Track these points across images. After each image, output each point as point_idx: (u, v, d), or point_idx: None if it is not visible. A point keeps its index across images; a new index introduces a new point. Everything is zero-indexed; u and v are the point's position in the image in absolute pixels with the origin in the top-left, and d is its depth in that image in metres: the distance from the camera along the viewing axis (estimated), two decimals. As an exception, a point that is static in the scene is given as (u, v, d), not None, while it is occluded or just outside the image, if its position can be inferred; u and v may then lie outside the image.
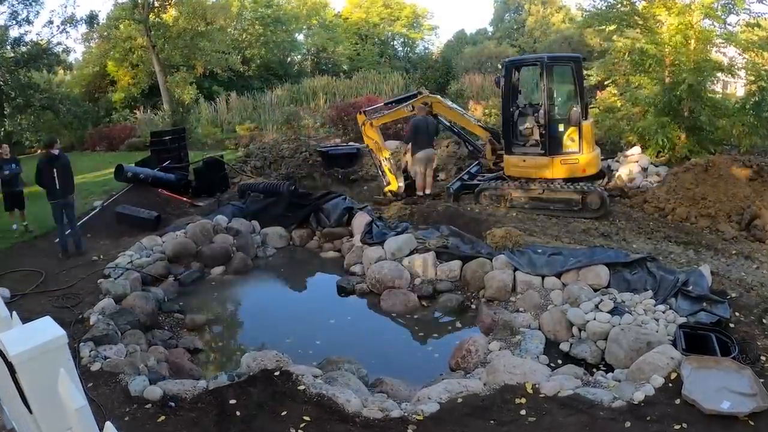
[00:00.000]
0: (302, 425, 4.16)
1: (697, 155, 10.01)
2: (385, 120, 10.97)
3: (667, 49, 10.39)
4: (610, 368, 5.43)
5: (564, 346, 5.99)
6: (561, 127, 9.09)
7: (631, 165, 10.14)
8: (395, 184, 10.65)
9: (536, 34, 33.91)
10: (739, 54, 11.00)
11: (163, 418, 4.33)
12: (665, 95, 10.33)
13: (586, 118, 9.24)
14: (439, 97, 10.90)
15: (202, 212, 10.74)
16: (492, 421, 4.18)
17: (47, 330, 1.95)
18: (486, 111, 18.92)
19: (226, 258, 8.83)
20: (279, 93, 23.47)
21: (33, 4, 16.26)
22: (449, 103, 10.97)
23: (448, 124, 10.91)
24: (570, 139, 9.00)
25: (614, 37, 12.14)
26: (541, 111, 9.07)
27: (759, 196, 8.52)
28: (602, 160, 10.20)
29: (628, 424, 4.01)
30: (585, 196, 8.99)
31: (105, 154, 19.07)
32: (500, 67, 9.83)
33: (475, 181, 10.39)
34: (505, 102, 9.50)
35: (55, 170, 8.26)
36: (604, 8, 11.98)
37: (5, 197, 10.03)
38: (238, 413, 4.31)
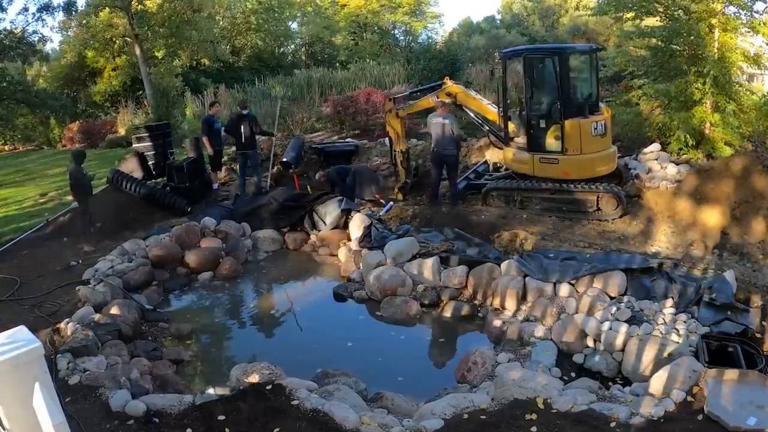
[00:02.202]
0: (296, 443, 4.17)
1: (721, 152, 9.99)
2: (412, 110, 11.16)
3: (691, 38, 10.38)
4: (627, 382, 5.45)
5: (578, 358, 6.01)
6: None
7: (650, 163, 10.12)
8: (402, 178, 11.03)
9: (555, 17, 33.99)
10: (767, 44, 10.97)
11: (146, 435, 4.34)
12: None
13: None
14: (462, 87, 11.09)
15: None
16: (500, 439, 4.19)
17: (22, 341, 1.96)
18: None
19: (215, 263, 8.85)
20: (271, 85, 23.46)
21: (7, -11, 16.31)
22: (474, 93, 11.16)
23: (473, 115, 11.09)
24: None
25: (635, 23, 12.14)
26: None
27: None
28: (619, 157, 10.21)
29: (646, 441, 4.02)
30: (601, 196, 9.02)
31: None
32: None
33: (482, 180, 10.43)
34: None
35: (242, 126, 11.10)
36: None
37: None
38: (227, 430, 4.32)
